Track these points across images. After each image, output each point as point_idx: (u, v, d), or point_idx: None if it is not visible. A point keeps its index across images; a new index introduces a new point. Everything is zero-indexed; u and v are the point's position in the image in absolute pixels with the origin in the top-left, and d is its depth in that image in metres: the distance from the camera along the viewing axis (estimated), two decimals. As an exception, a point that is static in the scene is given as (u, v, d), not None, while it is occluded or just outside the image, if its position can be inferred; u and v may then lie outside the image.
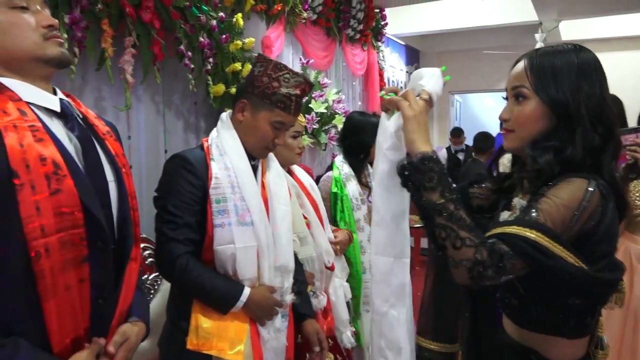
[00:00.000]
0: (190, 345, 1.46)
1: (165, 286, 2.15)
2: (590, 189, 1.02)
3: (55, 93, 1.09)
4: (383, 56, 5.36)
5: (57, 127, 1.03)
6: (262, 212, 1.58)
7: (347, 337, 2.21)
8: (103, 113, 2.24)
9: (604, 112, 1.08)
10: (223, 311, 1.51)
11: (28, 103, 1.00)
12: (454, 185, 1.06)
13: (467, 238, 0.97)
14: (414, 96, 1.10)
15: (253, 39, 2.83)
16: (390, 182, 1.13)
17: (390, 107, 1.16)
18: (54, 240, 0.93)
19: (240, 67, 2.73)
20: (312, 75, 3.57)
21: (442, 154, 6.83)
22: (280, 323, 1.64)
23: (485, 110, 8.94)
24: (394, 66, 6.57)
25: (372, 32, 4.82)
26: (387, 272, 1.17)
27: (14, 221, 0.90)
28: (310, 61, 3.59)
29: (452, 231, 0.98)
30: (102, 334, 1.05)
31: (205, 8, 2.51)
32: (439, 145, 7.48)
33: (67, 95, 1.13)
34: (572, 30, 6.58)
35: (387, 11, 5.08)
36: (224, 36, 2.63)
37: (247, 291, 1.52)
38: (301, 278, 1.84)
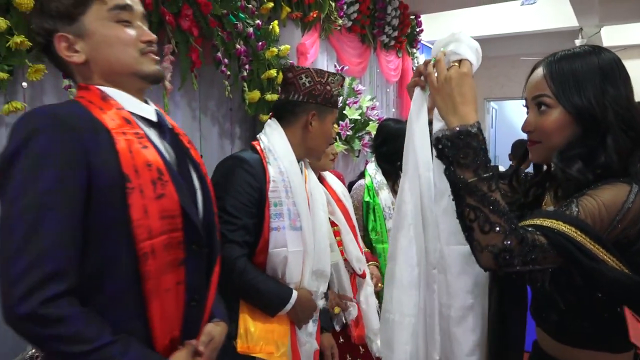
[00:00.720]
0: (241, 349, 1.50)
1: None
2: (635, 191, 0.97)
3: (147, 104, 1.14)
4: (418, 62, 5.33)
5: (154, 136, 1.07)
6: (309, 218, 1.62)
7: (377, 346, 2.20)
8: (142, 118, 2.30)
9: (633, 115, 1.03)
10: (272, 313, 1.55)
11: (130, 112, 1.05)
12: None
13: (498, 224, 0.92)
14: (443, 65, 1.04)
15: (288, 46, 2.86)
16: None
17: (422, 84, 1.11)
18: (159, 243, 0.97)
19: (276, 74, 2.76)
20: (346, 82, 3.57)
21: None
22: (312, 327, 1.69)
23: (522, 117, 8.76)
24: (428, 73, 6.51)
25: (407, 38, 4.80)
26: (464, 261, 1.07)
27: (124, 223, 0.94)
28: (345, 68, 3.60)
29: (482, 214, 0.92)
30: (193, 335, 1.09)
31: (243, 16, 2.54)
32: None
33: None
34: (614, 35, 6.41)
35: (423, 17, 5.05)
36: (260, 43, 2.66)
37: (295, 294, 1.57)
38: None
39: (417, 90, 1.14)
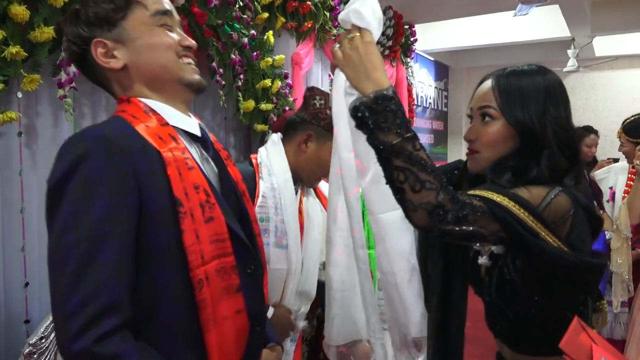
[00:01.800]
0: None
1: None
2: (555, 191, 1.02)
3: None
4: (412, 72, 5.35)
5: (195, 153, 1.03)
6: (297, 237, 1.61)
7: None
8: (137, 128, 2.30)
9: (570, 136, 1.09)
10: None
11: (174, 127, 1.00)
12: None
13: (427, 181, 0.91)
14: (345, 39, 1.04)
15: (283, 56, 2.87)
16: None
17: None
18: (212, 268, 0.93)
19: (270, 84, 2.77)
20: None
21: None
22: (289, 346, 1.67)
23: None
24: (422, 82, 6.55)
25: (401, 48, 4.82)
26: (399, 226, 1.09)
27: (177, 250, 0.91)
28: (339, 77, 3.61)
29: (411, 173, 0.91)
30: None
31: (238, 26, 2.56)
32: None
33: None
34: (606, 45, 6.47)
35: (417, 27, 5.08)
36: (255, 53, 2.67)
37: (270, 311, 1.56)
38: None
39: (337, 71, 1.11)
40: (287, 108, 2.89)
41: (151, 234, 0.90)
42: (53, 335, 1.78)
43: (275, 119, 2.81)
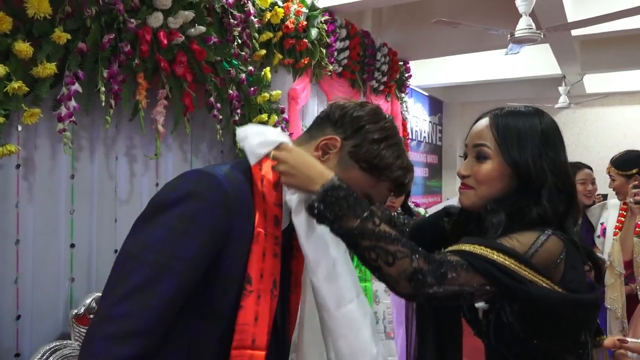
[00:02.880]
0: None
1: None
2: (545, 235, 1.03)
3: None
4: (406, 107, 5.43)
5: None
6: None
7: None
8: (134, 161, 2.32)
9: (568, 178, 1.10)
10: None
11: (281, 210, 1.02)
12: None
13: (397, 251, 0.94)
14: (270, 163, 1.06)
15: (280, 92, 2.92)
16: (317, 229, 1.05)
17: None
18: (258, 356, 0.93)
19: (267, 118, 2.81)
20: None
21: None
22: None
23: (509, 161, 8.94)
24: (417, 116, 6.64)
25: (395, 83, 4.91)
26: (361, 316, 1.06)
27: (225, 319, 0.94)
28: (335, 112, 3.67)
29: (380, 249, 0.94)
30: None
31: (236, 62, 2.61)
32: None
33: None
34: (596, 83, 6.61)
35: (411, 63, 5.19)
36: (252, 89, 2.72)
37: None
38: None
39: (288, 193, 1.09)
40: (283, 142, 2.93)
41: (209, 293, 0.94)
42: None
43: (271, 152, 2.84)
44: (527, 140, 1.09)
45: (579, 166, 3.86)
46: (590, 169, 3.95)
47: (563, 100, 5.95)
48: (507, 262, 0.96)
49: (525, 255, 0.99)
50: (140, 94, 2.14)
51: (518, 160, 1.09)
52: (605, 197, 3.61)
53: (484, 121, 1.15)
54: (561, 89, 5.95)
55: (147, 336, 0.87)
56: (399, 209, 2.78)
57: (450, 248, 1.01)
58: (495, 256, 0.96)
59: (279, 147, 1.05)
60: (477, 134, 1.15)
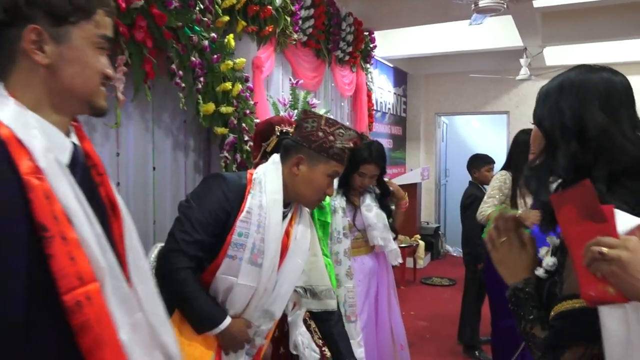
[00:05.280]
0: None
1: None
2: None
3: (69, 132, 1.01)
4: (371, 78, 5.43)
5: (68, 174, 0.94)
6: (275, 259, 1.61)
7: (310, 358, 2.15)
8: (93, 130, 2.25)
9: (587, 127, 1.03)
10: (199, 331, 1.55)
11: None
12: None
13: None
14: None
15: (244, 60, 2.87)
16: None
17: None
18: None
19: (231, 87, 2.76)
20: (301, 96, 3.60)
21: (422, 172, 6.90)
22: (243, 359, 1.66)
23: (471, 132, 9.06)
24: (382, 88, 6.65)
25: (361, 54, 4.90)
26: None
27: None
28: (300, 81, 3.63)
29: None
30: None
31: (198, 29, 2.54)
32: (425, 165, 7.55)
33: (76, 126, 1.04)
34: (556, 55, 6.73)
35: (376, 34, 5.16)
36: (215, 56, 2.66)
37: (227, 321, 1.56)
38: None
39: None
40: (247, 111, 2.89)
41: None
42: None
43: (235, 122, 2.80)
44: (548, 94, 1.10)
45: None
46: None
47: (524, 72, 6.05)
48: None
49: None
50: (98, 60, 2.06)
51: (540, 117, 1.11)
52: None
53: None
54: (522, 60, 6.04)
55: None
56: (375, 183, 2.78)
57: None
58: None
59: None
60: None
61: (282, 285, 1.66)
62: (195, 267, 1.55)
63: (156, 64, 2.34)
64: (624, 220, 0.85)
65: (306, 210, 1.81)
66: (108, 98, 2.14)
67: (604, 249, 0.80)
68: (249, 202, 1.58)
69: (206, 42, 2.59)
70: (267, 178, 1.64)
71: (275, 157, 1.71)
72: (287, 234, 1.68)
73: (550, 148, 1.07)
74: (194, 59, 2.54)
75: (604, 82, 1.07)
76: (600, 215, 0.82)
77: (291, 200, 1.70)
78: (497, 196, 3.09)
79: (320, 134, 1.63)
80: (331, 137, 1.63)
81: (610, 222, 0.82)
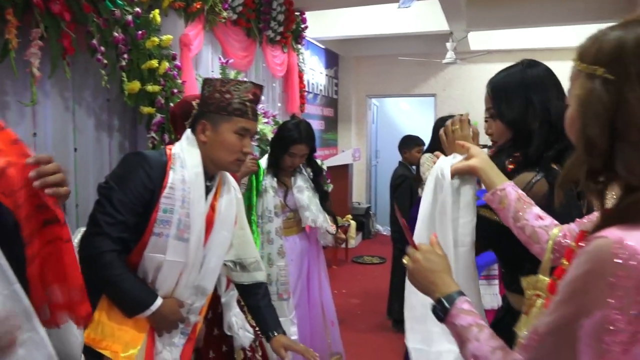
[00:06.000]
0: (87, 339, 1.42)
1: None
2: (538, 177, 1.28)
3: None
4: (303, 59, 5.42)
5: None
6: (201, 233, 1.59)
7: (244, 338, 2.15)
8: (6, 108, 2.11)
9: (551, 113, 1.31)
10: (129, 315, 1.51)
11: None
12: None
13: None
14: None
15: (171, 37, 2.77)
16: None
17: None
18: None
19: (157, 65, 2.66)
20: (231, 75, 3.54)
21: (350, 154, 7.01)
22: (177, 339, 1.64)
23: (400, 114, 9.27)
24: (313, 69, 6.65)
25: (292, 34, 4.86)
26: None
27: None
28: (230, 61, 3.57)
29: None
30: None
31: (120, 2, 2.42)
32: (356, 146, 7.66)
33: None
34: (480, 40, 6.99)
35: (308, 15, 5.14)
36: (139, 32, 2.55)
37: (159, 302, 1.53)
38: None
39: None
40: (175, 90, 2.80)
41: None
42: None
43: (163, 101, 2.72)
44: (512, 93, 1.35)
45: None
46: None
47: (450, 56, 6.24)
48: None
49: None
50: (9, 33, 1.92)
51: (506, 113, 1.35)
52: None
53: (487, 87, 1.41)
54: (448, 44, 6.23)
55: None
56: (304, 163, 2.78)
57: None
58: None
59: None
60: (485, 100, 1.41)
61: (211, 260, 1.65)
62: (121, 249, 1.50)
63: (75, 38, 2.21)
64: (444, 161, 1.37)
65: (232, 183, 1.79)
66: (22, 74, 2.03)
67: (405, 260, 1.11)
68: (171, 177, 1.54)
69: (130, 17, 2.48)
70: (186, 154, 1.61)
71: (188, 132, 1.67)
72: (212, 207, 1.66)
73: (520, 136, 1.33)
74: (116, 34, 2.43)
75: (548, 75, 1.37)
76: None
77: (214, 173, 1.68)
78: None
79: (217, 95, 1.60)
80: (227, 95, 1.61)
81: (407, 234, 1.15)
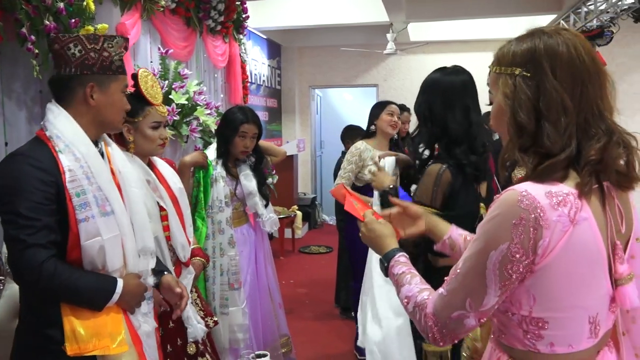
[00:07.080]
0: (72, 352, 1.39)
1: (10, 292, 1.95)
2: (443, 168, 1.80)
3: None
4: (245, 49, 5.35)
5: None
6: (119, 199, 1.54)
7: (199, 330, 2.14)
8: None
9: (434, 114, 1.88)
10: (98, 308, 1.46)
11: None
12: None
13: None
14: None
15: (106, 25, 2.66)
16: None
17: None
18: None
19: (93, 55, 2.56)
20: (171, 66, 3.46)
21: (293, 146, 7.03)
22: (146, 307, 1.64)
23: (344, 104, 9.34)
24: (256, 59, 6.59)
25: (233, 24, 4.78)
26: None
27: None
28: (170, 51, 3.48)
29: None
30: None
31: (51, -11, 2.31)
32: (300, 137, 7.67)
33: None
34: (419, 32, 7.15)
35: (249, 4, 5.07)
36: (73, 20, 2.44)
37: (120, 283, 1.50)
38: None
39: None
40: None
41: None
42: None
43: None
44: (421, 92, 1.94)
45: (403, 108, 4.26)
46: (409, 111, 4.34)
47: (390, 47, 6.35)
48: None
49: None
50: None
51: (416, 106, 1.93)
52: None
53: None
54: (389, 35, 6.33)
55: None
56: (251, 153, 2.81)
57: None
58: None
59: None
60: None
61: (136, 218, 1.62)
62: (55, 253, 1.42)
63: (2, 27, 2.10)
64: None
65: (106, 138, 1.71)
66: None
67: (361, 226, 1.37)
68: (63, 160, 1.45)
69: (61, 5, 2.37)
70: (62, 129, 1.50)
71: (51, 106, 1.56)
72: (112, 172, 1.60)
73: (420, 127, 1.90)
74: (47, 22, 2.31)
75: (446, 83, 1.85)
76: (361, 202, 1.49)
77: (97, 137, 1.61)
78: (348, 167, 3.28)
79: (93, 54, 1.52)
80: (106, 53, 1.54)
81: (355, 213, 1.44)
